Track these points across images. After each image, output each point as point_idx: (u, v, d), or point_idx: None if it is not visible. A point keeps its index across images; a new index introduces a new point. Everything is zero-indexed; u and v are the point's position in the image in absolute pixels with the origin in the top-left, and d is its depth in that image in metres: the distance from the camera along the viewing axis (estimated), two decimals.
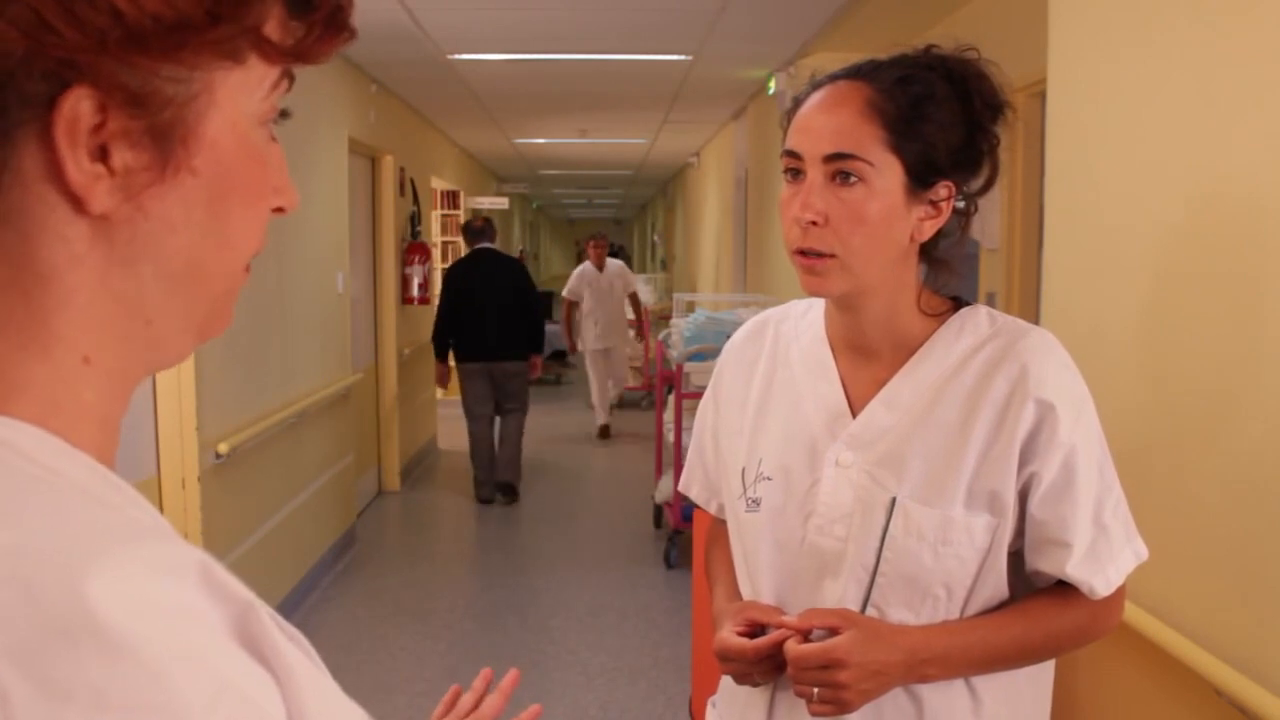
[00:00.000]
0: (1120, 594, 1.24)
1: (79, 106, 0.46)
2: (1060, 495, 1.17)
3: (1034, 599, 1.22)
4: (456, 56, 5.73)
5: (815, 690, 1.16)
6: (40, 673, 0.39)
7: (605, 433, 9.08)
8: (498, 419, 6.71)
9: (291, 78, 0.54)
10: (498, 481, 6.65)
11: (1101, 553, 1.18)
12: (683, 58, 5.77)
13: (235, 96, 0.51)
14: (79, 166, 0.47)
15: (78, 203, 0.47)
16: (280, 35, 0.50)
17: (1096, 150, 2.24)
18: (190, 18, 0.46)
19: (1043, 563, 1.19)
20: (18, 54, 0.44)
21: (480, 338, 6.45)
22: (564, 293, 9.24)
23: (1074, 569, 1.17)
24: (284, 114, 0.55)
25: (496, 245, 6.81)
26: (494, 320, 6.43)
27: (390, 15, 4.63)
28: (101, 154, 0.47)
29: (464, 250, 7.16)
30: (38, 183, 0.47)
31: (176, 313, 0.53)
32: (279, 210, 0.56)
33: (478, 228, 6.74)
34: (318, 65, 0.53)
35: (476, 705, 0.98)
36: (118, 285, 0.50)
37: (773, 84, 5.75)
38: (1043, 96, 2.46)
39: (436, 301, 6.97)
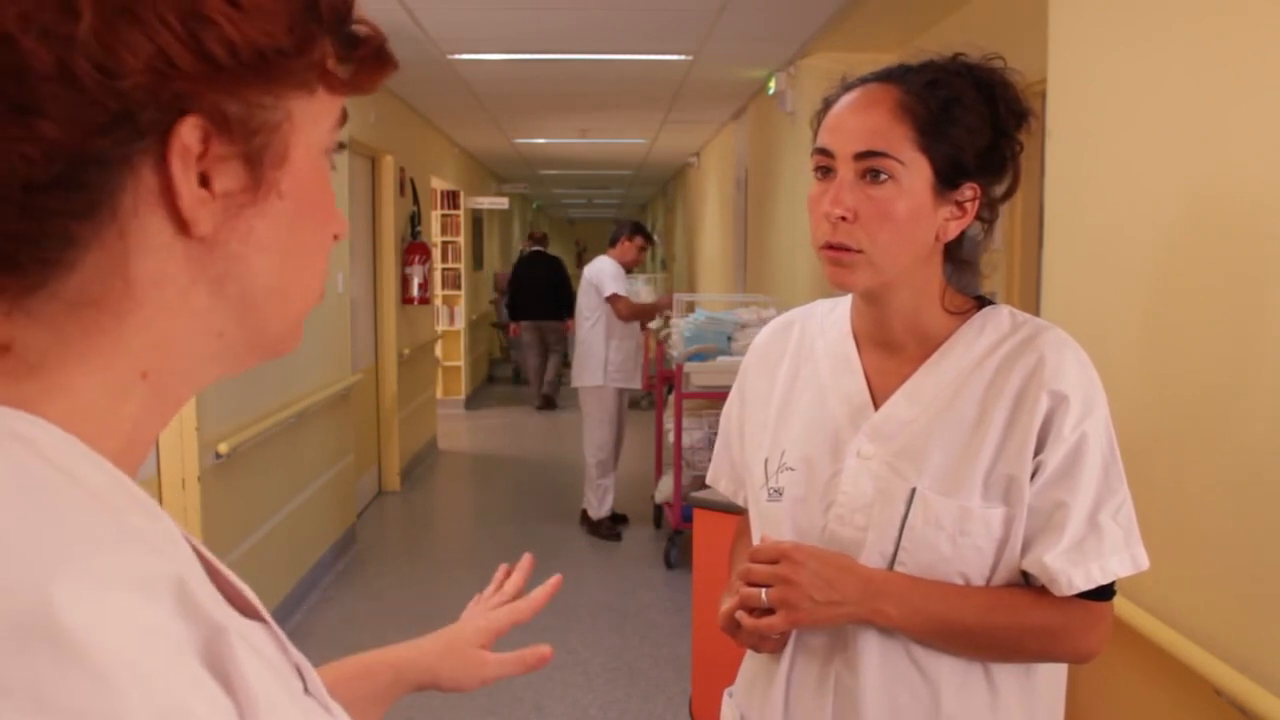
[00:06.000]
0: (1103, 615, 1.22)
1: (189, 135, 0.49)
2: (1058, 485, 1.17)
3: (1015, 586, 1.22)
4: (456, 56, 5.72)
5: (764, 591, 1.19)
6: None
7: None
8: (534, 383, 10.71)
9: (345, 115, 0.58)
10: (543, 395, 10.60)
11: (1089, 549, 1.17)
12: (683, 58, 5.77)
13: (308, 126, 0.55)
14: (191, 191, 0.50)
15: (183, 225, 0.51)
16: (336, 69, 0.56)
17: (1096, 150, 2.24)
18: (284, 48, 0.51)
19: (1031, 553, 1.19)
20: (146, 87, 0.47)
21: (530, 305, 10.33)
22: (614, 291, 6.03)
23: (1054, 559, 1.17)
24: (341, 146, 0.60)
25: (546, 248, 10.88)
26: (538, 294, 10.28)
27: (390, 15, 4.62)
28: (202, 179, 0.51)
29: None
30: (150, 207, 0.50)
31: (250, 330, 0.56)
32: (335, 236, 0.60)
33: (538, 236, 11.09)
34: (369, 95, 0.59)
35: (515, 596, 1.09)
36: (198, 303, 0.53)
37: (773, 84, 5.75)
38: (1043, 96, 2.46)
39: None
